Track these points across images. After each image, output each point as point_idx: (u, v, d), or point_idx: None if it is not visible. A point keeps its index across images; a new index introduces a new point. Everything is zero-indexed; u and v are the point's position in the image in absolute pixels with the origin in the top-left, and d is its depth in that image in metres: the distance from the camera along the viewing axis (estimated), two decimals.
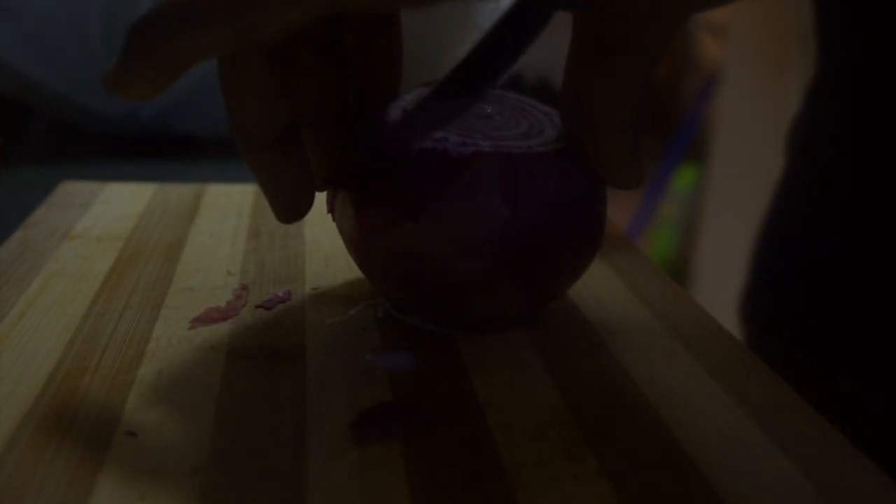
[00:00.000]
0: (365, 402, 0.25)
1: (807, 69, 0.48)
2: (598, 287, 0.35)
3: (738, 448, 0.24)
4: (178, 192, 0.45)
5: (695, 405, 0.26)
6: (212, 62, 0.24)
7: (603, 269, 0.36)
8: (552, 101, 0.30)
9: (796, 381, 0.28)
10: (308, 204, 0.28)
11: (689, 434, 0.25)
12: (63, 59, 0.56)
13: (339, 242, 0.38)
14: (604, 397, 0.27)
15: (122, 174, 0.49)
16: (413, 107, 0.29)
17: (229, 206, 0.43)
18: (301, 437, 0.24)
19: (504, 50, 0.29)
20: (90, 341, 0.28)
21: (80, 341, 0.28)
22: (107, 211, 0.41)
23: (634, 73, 0.25)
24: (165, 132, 0.60)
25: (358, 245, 0.29)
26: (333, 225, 0.31)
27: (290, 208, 0.28)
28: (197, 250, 0.37)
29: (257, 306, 0.32)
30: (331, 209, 0.30)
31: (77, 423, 0.24)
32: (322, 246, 0.38)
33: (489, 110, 0.29)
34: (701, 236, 1.78)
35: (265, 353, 0.28)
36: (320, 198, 0.30)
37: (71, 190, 0.44)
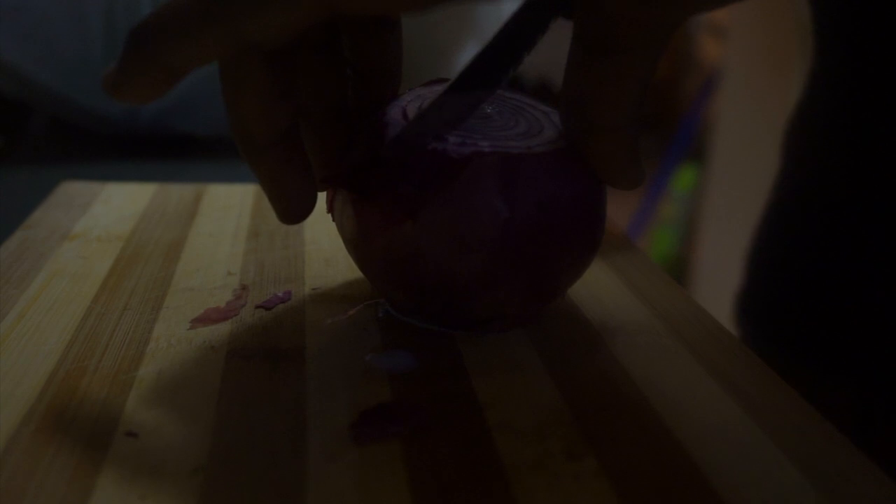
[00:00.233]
0: (365, 402, 0.26)
1: (805, 69, 0.48)
2: (598, 287, 0.35)
3: (738, 447, 0.24)
4: (178, 192, 0.45)
5: (695, 405, 0.26)
6: (213, 65, 0.24)
7: (603, 269, 0.36)
8: (552, 101, 0.30)
9: (792, 384, 0.28)
10: (310, 205, 0.28)
11: (688, 434, 0.25)
12: (63, 59, 0.56)
13: (339, 242, 0.38)
14: (604, 397, 0.27)
15: (122, 174, 0.49)
16: (418, 109, 0.29)
17: (229, 206, 0.43)
18: (301, 437, 0.24)
19: (507, 55, 0.29)
20: (90, 341, 0.29)
21: (80, 341, 0.28)
22: (107, 211, 0.41)
23: (633, 73, 0.25)
24: (165, 132, 0.60)
25: (358, 245, 0.29)
26: (333, 225, 0.31)
27: (293, 210, 0.28)
28: (197, 250, 0.37)
29: (257, 306, 0.32)
30: (331, 209, 0.31)
31: (77, 423, 0.24)
32: (322, 246, 0.38)
33: (489, 110, 0.29)
34: (701, 236, 1.78)
35: (265, 353, 0.28)
36: (320, 198, 0.30)
37: (71, 190, 0.44)
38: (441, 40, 0.63)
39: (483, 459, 0.23)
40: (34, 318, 0.30)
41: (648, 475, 0.23)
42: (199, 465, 0.22)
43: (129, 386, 0.26)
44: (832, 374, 0.44)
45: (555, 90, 0.31)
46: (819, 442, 0.25)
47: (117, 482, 0.21)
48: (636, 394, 0.27)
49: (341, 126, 0.29)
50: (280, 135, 0.26)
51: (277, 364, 0.28)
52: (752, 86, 1.57)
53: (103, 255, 0.36)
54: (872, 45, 0.41)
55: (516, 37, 0.29)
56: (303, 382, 0.26)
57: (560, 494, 0.22)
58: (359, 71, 0.29)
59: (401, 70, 0.30)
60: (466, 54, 0.65)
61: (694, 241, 1.84)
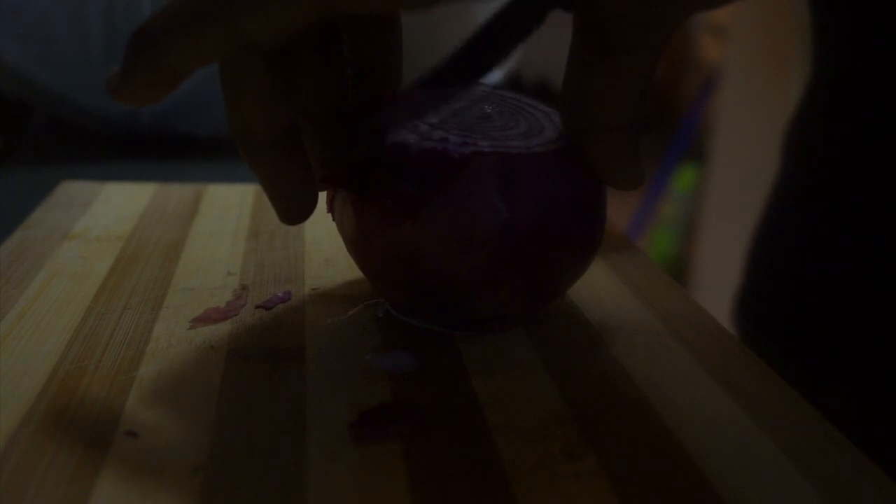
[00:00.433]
0: (365, 402, 0.26)
1: (805, 70, 0.48)
2: (598, 287, 0.35)
3: (737, 447, 0.24)
4: (178, 192, 0.45)
5: (695, 405, 0.26)
6: (213, 65, 0.24)
7: (603, 269, 0.36)
8: (552, 101, 0.30)
9: (792, 384, 0.28)
10: (311, 205, 0.28)
11: (688, 434, 0.25)
12: (63, 59, 0.56)
13: (339, 242, 0.38)
14: (604, 397, 0.27)
15: (122, 174, 0.49)
16: (402, 96, 0.29)
17: (229, 206, 0.43)
18: (301, 437, 0.24)
19: (496, 44, 0.29)
20: (90, 341, 0.29)
21: (80, 341, 0.28)
22: (107, 211, 0.41)
23: (633, 72, 0.25)
24: (165, 132, 0.60)
25: (358, 245, 0.29)
26: (333, 225, 0.31)
27: (294, 210, 0.28)
28: (197, 250, 0.37)
29: (257, 306, 0.32)
30: (331, 209, 0.31)
31: (77, 423, 0.24)
32: (322, 246, 0.38)
33: (489, 110, 0.29)
34: (701, 236, 1.78)
35: (265, 353, 0.28)
36: (320, 198, 0.30)
37: (71, 190, 0.44)
38: (441, 40, 0.63)
39: (483, 459, 0.23)
40: (34, 318, 0.30)
41: (648, 475, 0.23)
42: (199, 465, 0.22)
43: (129, 386, 0.26)
44: (832, 375, 0.44)
45: (555, 90, 0.31)
46: (819, 442, 0.25)
47: (117, 482, 0.21)
48: (636, 394, 0.27)
49: (341, 126, 0.29)
50: (280, 135, 0.26)
51: (277, 364, 0.28)
52: (752, 86, 1.57)
53: (103, 255, 0.36)
54: (872, 46, 0.41)
55: (508, 25, 0.29)
56: (303, 382, 0.26)
57: (560, 494, 0.22)
58: (359, 71, 0.29)
59: (401, 70, 0.30)
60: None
61: (694, 241, 1.84)
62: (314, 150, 0.29)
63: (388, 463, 0.23)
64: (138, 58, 0.23)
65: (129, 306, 0.31)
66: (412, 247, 0.27)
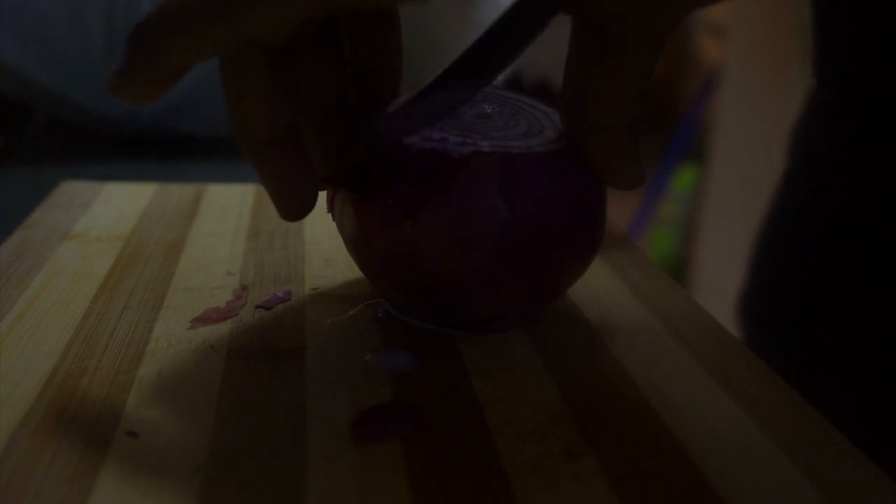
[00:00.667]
0: (365, 402, 0.26)
1: (806, 71, 0.48)
2: (598, 287, 0.35)
3: (737, 448, 0.24)
4: (178, 192, 0.45)
5: (695, 405, 0.26)
6: (213, 64, 0.24)
7: (603, 269, 0.36)
8: (552, 101, 0.30)
9: (794, 384, 0.28)
10: (311, 202, 0.28)
11: (688, 434, 0.25)
12: (63, 59, 0.56)
13: (339, 242, 0.38)
14: (604, 397, 0.27)
15: (122, 174, 0.49)
16: (409, 100, 0.29)
17: (229, 206, 0.43)
18: (301, 437, 0.24)
19: (502, 49, 0.29)
20: (90, 341, 0.29)
21: (80, 341, 0.28)
22: (107, 211, 0.41)
23: (633, 72, 0.25)
24: (165, 132, 0.60)
25: (358, 245, 0.29)
26: (333, 225, 0.31)
27: (294, 207, 0.28)
28: (197, 250, 0.37)
29: (257, 306, 0.32)
30: (331, 209, 0.31)
31: (77, 423, 0.24)
32: (322, 246, 0.38)
33: (489, 110, 0.29)
34: (701, 236, 1.78)
35: (265, 353, 0.28)
36: (320, 197, 0.30)
37: (71, 190, 0.44)
38: (441, 40, 0.63)
39: (483, 459, 0.23)
40: (34, 318, 0.30)
41: (648, 475, 0.23)
42: (199, 465, 0.22)
43: (129, 386, 0.26)
44: (833, 375, 0.44)
45: (555, 90, 0.31)
46: (819, 442, 0.25)
47: (117, 482, 0.21)
48: (636, 394, 0.27)
49: (341, 125, 0.29)
50: (280, 132, 0.26)
51: (277, 364, 0.28)
52: (752, 86, 1.57)
53: (103, 255, 0.36)
54: (875, 47, 0.41)
55: (513, 29, 0.29)
56: (303, 382, 0.26)
57: (560, 494, 0.22)
58: (359, 71, 0.29)
59: (401, 70, 0.30)
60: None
61: (694, 241, 1.84)
62: (314, 150, 0.29)
63: (388, 463, 0.23)
64: (138, 55, 0.23)
65: (129, 306, 0.31)
66: (412, 247, 0.27)
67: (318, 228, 0.39)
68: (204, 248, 0.37)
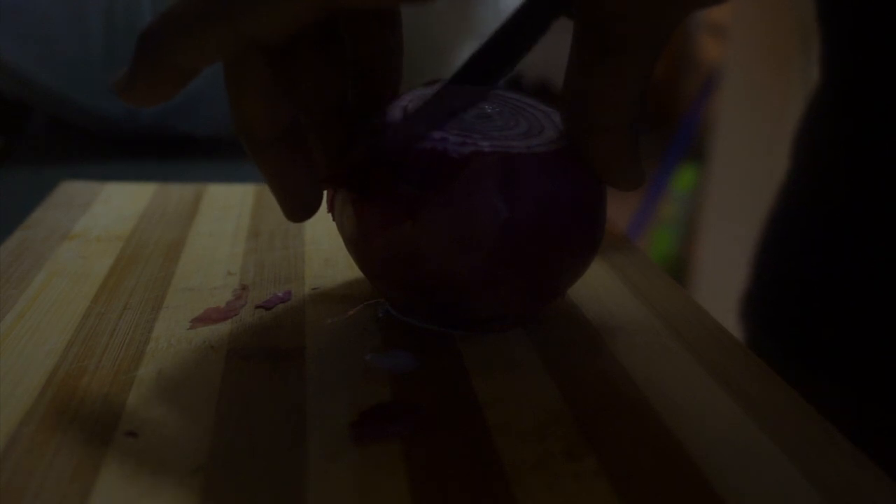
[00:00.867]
0: (365, 402, 0.26)
1: (809, 71, 0.48)
2: (598, 287, 0.35)
3: (737, 448, 0.24)
4: (178, 192, 0.45)
5: (695, 405, 0.26)
6: (214, 65, 0.25)
7: (603, 269, 0.36)
8: (552, 101, 0.30)
9: (795, 384, 0.28)
10: (313, 202, 0.28)
11: (688, 434, 0.25)
12: (63, 59, 0.56)
13: (339, 242, 0.38)
14: (604, 397, 0.27)
15: (122, 174, 0.49)
16: (417, 104, 0.29)
17: (229, 206, 0.43)
18: (301, 437, 0.24)
19: (506, 52, 0.29)
20: (90, 341, 0.29)
21: (80, 341, 0.28)
22: (107, 211, 0.41)
23: (633, 72, 0.25)
24: (165, 132, 0.60)
25: (358, 245, 0.29)
26: (333, 225, 0.31)
27: (299, 207, 0.28)
28: (197, 250, 0.37)
29: (257, 306, 0.32)
30: (331, 209, 0.31)
31: (77, 423, 0.24)
32: (322, 246, 0.38)
33: (489, 110, 0.29)
34: (701, 236, 1.78)
35: (265, 353, 0.28)
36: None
37: (71, 190, 0.44)
38: (441, 40, 0.63)
39: (483, 459, 0.23)
40: (34, 318, 0.30)
41: (648, 475, 0.23)
42: (199, 465, 0.22)
43: (129, 386, 0.26)
44: (833, 375, 0.44)
45: (555, 90, 0.31)
46: (819, 442, 0.25)
47: (117, 482, 0.21)
48: (636, 394, 0.27)
49: (341, 125, 0.29)
50: (281, 132, 0.26)
51: (277, 364, 0.28)
52: (752, 86, 1.57)
53: (103, 255, 0.36)
54: (879, 48, 0.41)
55: (517, 34, 0.29)
56: (303, 382, 0.26)
57: (560, 494, 0.22)
58: (359, 70, 0.29)
59: (401, 70, 0.30)
60: (466, 54, 0.65)
61: (694, 241, 1.84)
62: (315, 150, 0.29)
63: (388, 463, 0.23)
64: (144, 58, 0.24)
65: (129, 306, 0.31)
66: (412, 247, 0.27)
67: (318, 228, 0.39)
68: (204, 248, 0.37)
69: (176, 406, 0.25)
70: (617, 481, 0.22)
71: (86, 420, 0.24)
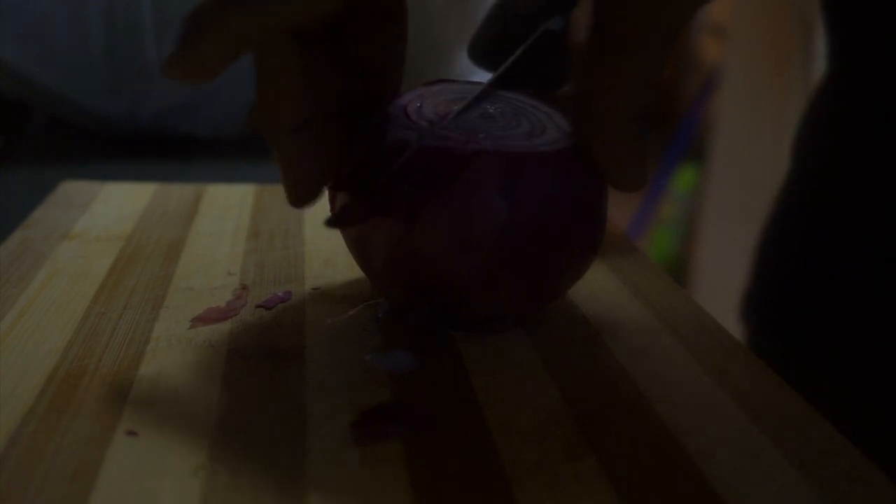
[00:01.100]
0: (365, 402, 0.26)
1: (808, 71, 0.48)
2: (598, 287, 0.35)
3: (737, 448, 0.24)
4: (178, 192, 0.45)
5: (695, 405, 0.26)
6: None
7: (603, 269, 0.36)
8: (554, 102, 0.30)
9: (795, 384, 0.28)
10: (318, 191, 0.29)
11: (688, 434, 0.25)
12: (63, 59, 0.56)
13: (339, 242, 0.38)
14: (604, 397, 0.27)
15: (122, 174, 0.49)
16: (455, 110, 0.29)
17: (229, 206, 0.43)
18: (301, 437, 0.24)
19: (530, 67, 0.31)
20: (90, 341, 0.29)
21: (80, 341, 0.28)
22: (107, 211, 0.41)
23: (632, 72, 0.25)
24: (165, 132, 0.60)
25: (358, 244, 0.29)
26: (335, 228, 0.31)
27: (304, 194, 0.28)
28: (197, 250, 0.37)
29: (257, 306, 0.32)
30: (332, 209, 0.30)
31: (77, 423, 0.24)
32: (322, 246, 0.38)
33: (491, 111, 0.29)
34: (701, 236, 1.78)
35: (265, 353, 0.28)
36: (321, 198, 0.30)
37: (71, 190, 0.44)
38: (441, 40, 0.63)
39: (483, 459, 0.23)
40: (34, 318, 0.30)
41: (648, 475, 0.23)
42: (199, 465, 0.22)
43: (129, 385, 0.26)
44: (833, 375, 0.44)
45: (556, 92, 0.31)
46: (819, 442, 0.25)
47: (117, 482, 0.21)
48: (636, 394, 0.27)
49: (343, 124, 0.29)
50: (303, 121, 0.27)
51: (277, 364, 0.28)
52: (752, 86, 1.57)
53: (103, 255, 0.36)
54: (883, 49, 0.41)
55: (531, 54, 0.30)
56: (303, 382, 0.26)
57: (560, 494, 0.22)
58: (360, 70, 0.29)
59: (402, 71, 0.30)
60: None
61: (694, 241, 1.84)
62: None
63: (388, 463, 0.23)
64: (191, 34, 0.24)
65: (130, 306, 0.31)
66: (412, 247, 0.27)
67: (318, 228, 0.39)
68: (204, 248, 0.37)
69: (176, 406, 0.25)
70: (617, 481, 0.22)
71: (86, 420, 0.24)
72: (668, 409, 0.26)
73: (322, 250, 0.37)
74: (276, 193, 0.44)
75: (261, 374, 0.27)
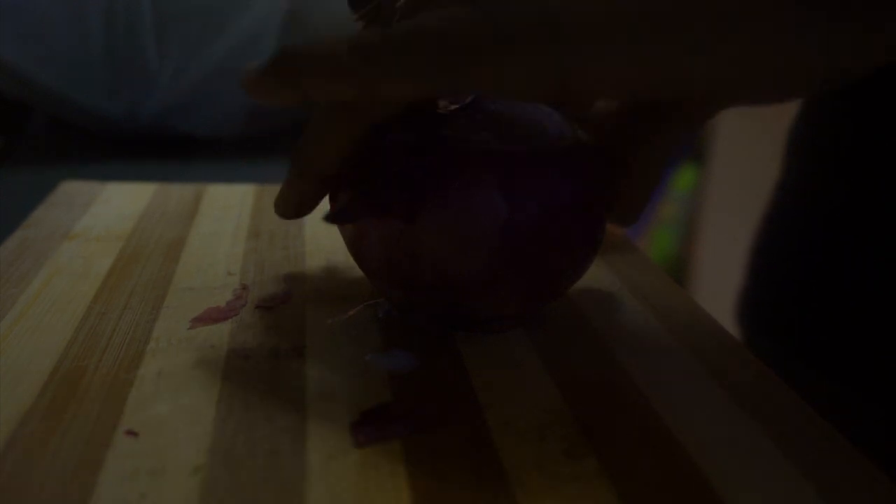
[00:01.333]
0: (365, 402, 0.26)
1: None
2: (598, 287, 0.35)
3: (737, 448, 0.24)
4: (178, 192, 0.45)
5: (695, 405, 0.26)
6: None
7: (603, 269, 0.36)
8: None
9: (792, 384, 0.28)
10: (312, 210, 0.30)
11: (688, 434, 0.25)
12: (63, 59, 0.56)
13: (339, 243, 0.38)
14: (604, 397, 0.27)
15: (122, 174, 0.49)
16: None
17: (229, 206, 0.43)
18: (301, 437, 0.24)
19: None
20: (90, 341, 0.29)
21: (80, 341, 0.28)
22: (107, 211, 0.41)
23: (678, 138, 0.28)
24: (165, 132, 0.60)
25: (358, 245, 0.29)
26: (334, 225, 0.31)
27: (293, 216, 0.30)
28: (197, 250, 0.37)
29: (257, 306, 0.32)
30: (332, 205, 0.30)
31: (77, 423, 0.24)
32: (322, 246, 0.38)
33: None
34: (701, 236, 1.78)
35: (265, 353, 0.28)
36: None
37: (71, 190, 0.44)
38: None
39: (483, 459, 0.23)
40: (34, 318, 0.30)
41: (648, 475, 0.23)
42: (199, 465, 0.22)
43: (129, 385, 0.26)
44: (833, 375, 0.44)
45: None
46: (819, 442, 0.25)
47: (117, 482, 0.21)
48: (636, 394, 0.27)
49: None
50: (333, 173, 0.28)
51: (277, 364, 0.28)
52: None
53: (103, 255, 0.36)
54: None
55: None
56: (303, 382, 0.26)
57: (560, 495, 0.22)
58: None
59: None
60: None
61: (694, 241, 1.84)
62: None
63: (388, 463, 0.23)
64: (277, 68, 0.26)
65: (130, 306, 0.31)
66: (412, 246, 0.27)
67: (318, 228, 0.39)
68: (204, 248, 0.37)
69: (176, 406, 0.25)
70: (617, 481, 0.22)
71: (86, 420, 0.24)
72: (668, 409, 0.26)
73: (322, 250, 0.37)
74: (277, 194, 0.44)
75: (261, 374, 0.27)
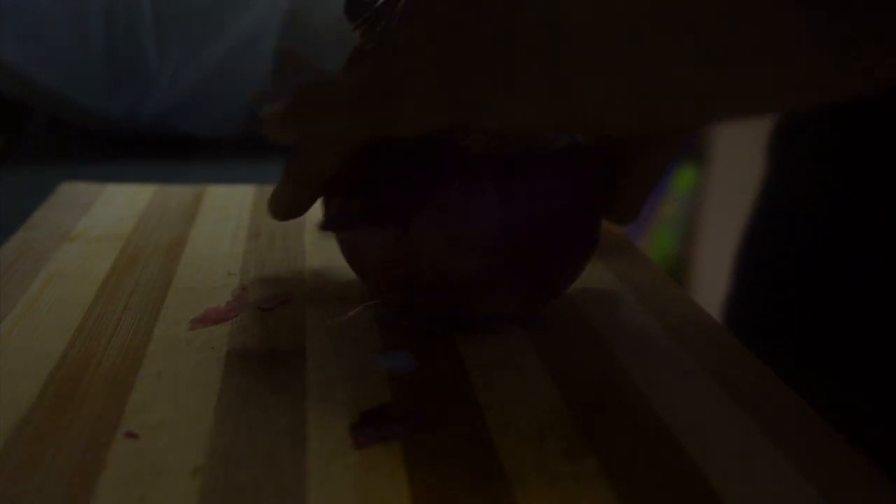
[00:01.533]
0: (365, 402, 0.26)
1: None
2: (598, 287, 0.35)
3: (737, 447, 0.24)
4: (178, 193, 0.45)
5: (695, 405, 0.26)
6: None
7: (603, 269, 0.36)
8: None
9: (791, 384, 0.28)
10: (305, 211, 0.30)
11: (688, 434, 0.25)
12: (63, 59, 0.56)
13: None
14: (604, 397, 0.27)
15: (122, 174, 0.49)
16: None
17: (229, 206, 0.43)
18: (301, 438, 0.24)
19: None
20: (90, 341, 0.29)
21: (81, 341, 0.28)
22: (107, 211, 0.41)
23: (677, 138, 0.30)
24: (165, 132, 0.60)
25: (353, 248, 0.29)
26: (329, 233, 0.31)
27: (284, 219, 0.30)
28: (197, 250, 0.37)
29: (257, 307, 0.32)
30: (325, 212, 0.30)
31: (77, 424, 0.24)
32: (322, 246, 0.38)
33: None
34: (701, 236, 1.78)
35: (265, 353, 0.28)
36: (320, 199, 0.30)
37: (71, 191, 0.44)
38: None
39: (483, 460, 0.23)
40: (34, 319, 0.30)
41: (648, 475, 0.23)
42: (199, 465, 0.22)
43: (129, 386, 0.26)
44: (832, 375, 0.44)
45: None
46: (819, 442, 0.25)
47: (117, 482, 0.21)
48: (636, 394, 0.27)
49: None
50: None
51: (277, 364, 0.28)
52: None
53: (103, 256, 0.36)
54: None
55: None
56: (303, 383, 0.26)
57: (560, 495, 0.22)
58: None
59: None
60: None
61: (694, 241, 1.84)
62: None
63: (388, 463, 0.23)
64: (291, 109, 0.27)
65: (130, 306, 0.31)
66: (411, 247, 0.27)
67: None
68: (204, 248, 0.37)
69: (176, 406, 0.25)
70: (617, 482, 0.22)
71: (86, 420, 0.24)
72: (668, 409, 0.26)
73: (322, 250, 0.37)
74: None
75: (261, 374, 0.27)
